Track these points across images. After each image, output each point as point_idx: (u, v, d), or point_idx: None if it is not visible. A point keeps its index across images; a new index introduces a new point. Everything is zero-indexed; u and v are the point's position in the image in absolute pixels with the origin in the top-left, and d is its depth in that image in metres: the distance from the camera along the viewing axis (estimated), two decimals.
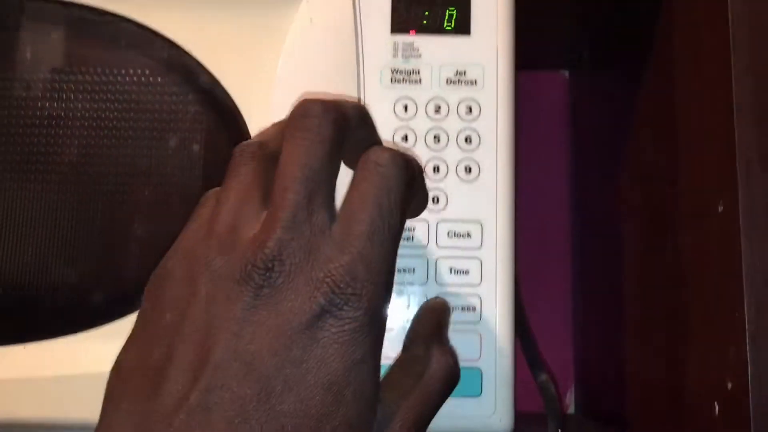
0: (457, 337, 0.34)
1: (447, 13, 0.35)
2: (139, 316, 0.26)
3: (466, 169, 0.35)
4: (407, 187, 0.25)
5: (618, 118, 0.53)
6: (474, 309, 0.34)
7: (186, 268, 0.25)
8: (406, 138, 0.35)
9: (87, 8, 0.37)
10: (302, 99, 0.26)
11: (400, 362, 0.27)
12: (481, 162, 0.35)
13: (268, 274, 0.23)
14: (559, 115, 0.68)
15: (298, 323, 0.23)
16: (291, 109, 0.26)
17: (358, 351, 0.23)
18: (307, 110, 0.25)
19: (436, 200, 0.35)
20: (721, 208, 0.32)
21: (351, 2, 0.36)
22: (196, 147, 0.37)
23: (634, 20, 0.50)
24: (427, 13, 0.35)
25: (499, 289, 0.34)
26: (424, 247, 0.35)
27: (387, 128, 0.35)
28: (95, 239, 0.37)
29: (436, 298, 0.33)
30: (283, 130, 0.27)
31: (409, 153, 0.30)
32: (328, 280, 0.23)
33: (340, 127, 0.25)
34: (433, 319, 0.29)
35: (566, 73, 0.69)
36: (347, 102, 0.27)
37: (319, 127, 0.25)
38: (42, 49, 0.38)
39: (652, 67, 0.46)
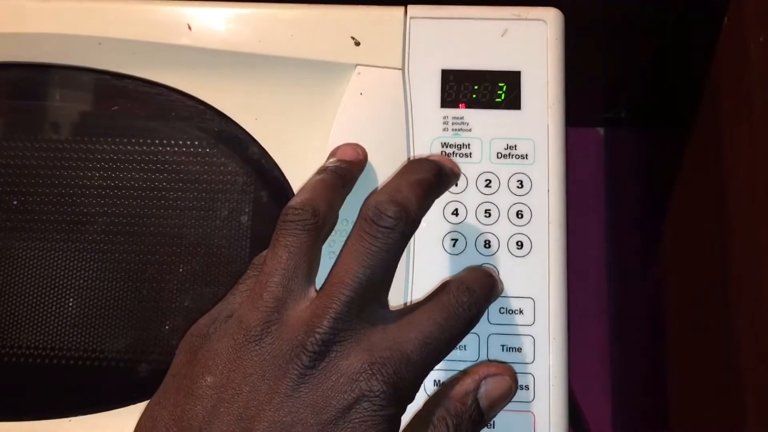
0: (510, 416, 0.33)
1: (497, 88, 0.35)
2: (173, 373, 0.27)
3: (517, 244, 0.34)
4: (473, 324, 0.28)
5: (659, 185, 0.52)
6: (527, 387, 0.33)
7: (232, 336, 0.26)
8: (456, 212, 0.35)
9: (139, 80, 0.38)
10: (376, 195, 0.27)
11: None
12: (532, 237, 0.34)
13: (316, 356, 0.25)
14: (595, 172, 0.67)
15: (336, 402, 0.24)
16: (366, 200, 0.27)
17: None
18: (380, 216, 0.26)
19: None
20: None
21: (401, 76, 0.36)
22: (244, 218, 0.37)
23: (677, 83, 0.49)
24: (477, 87, 0.35)
25: (552, 366, 0.34)
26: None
27: (438, 203, 0.35)
28: (142, 309, 0.37)
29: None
30: (331, 191, 0.29)
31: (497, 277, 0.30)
32: (374, 368, 0.25)
33: (407, 236, 0.27)
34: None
35: (602, 131, 0.69)
36: (419, 187, 0.28)
37: (388, 238, 0.26)
38: (94, 119, 0.38)
39: (698, 131, 0.45)
